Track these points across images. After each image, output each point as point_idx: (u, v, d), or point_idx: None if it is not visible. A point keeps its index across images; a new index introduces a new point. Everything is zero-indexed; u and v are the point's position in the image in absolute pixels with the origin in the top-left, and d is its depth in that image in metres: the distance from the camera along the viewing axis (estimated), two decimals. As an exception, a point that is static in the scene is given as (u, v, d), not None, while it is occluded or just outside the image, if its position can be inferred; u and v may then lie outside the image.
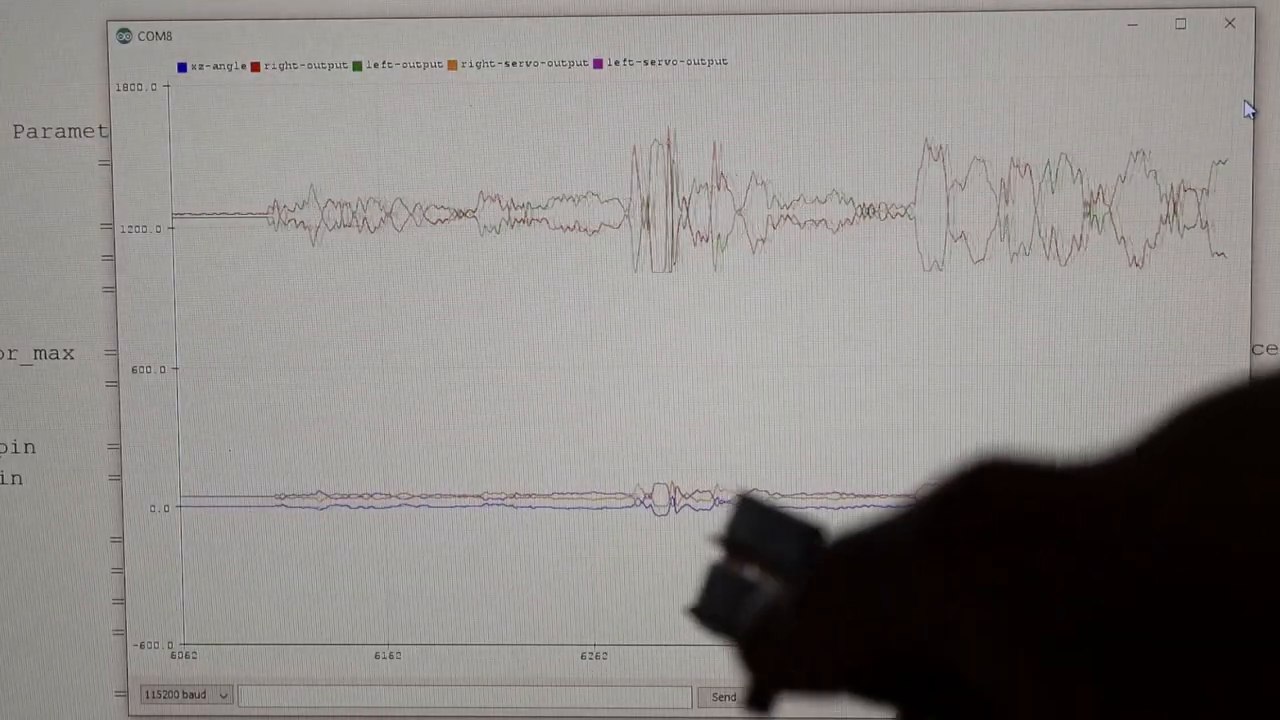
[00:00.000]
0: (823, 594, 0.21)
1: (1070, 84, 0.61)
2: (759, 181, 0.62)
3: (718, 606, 0.24)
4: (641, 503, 0.63)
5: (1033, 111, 0.61)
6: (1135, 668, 0.17)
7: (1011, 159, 0.61)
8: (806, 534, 0.23)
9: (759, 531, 0.24)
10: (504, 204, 0.62)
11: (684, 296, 0.62)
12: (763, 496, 0.24)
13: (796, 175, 0.62)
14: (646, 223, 0.62)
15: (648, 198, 0.62)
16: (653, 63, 0.62)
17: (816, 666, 0.21)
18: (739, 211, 0.62)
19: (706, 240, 0.62)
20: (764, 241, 0.62)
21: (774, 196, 0.62)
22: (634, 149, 0.62)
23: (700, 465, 0.63)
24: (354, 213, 0.62)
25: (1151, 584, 0.17)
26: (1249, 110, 0.60)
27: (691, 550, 0.63)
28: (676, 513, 0.63)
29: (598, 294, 0.62)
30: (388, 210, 0.62)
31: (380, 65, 0.62)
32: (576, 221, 0.62)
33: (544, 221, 0.62)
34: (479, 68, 0.62)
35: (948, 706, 0.21)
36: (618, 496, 0.63)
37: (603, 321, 0.62)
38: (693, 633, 0.63)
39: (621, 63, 0.62)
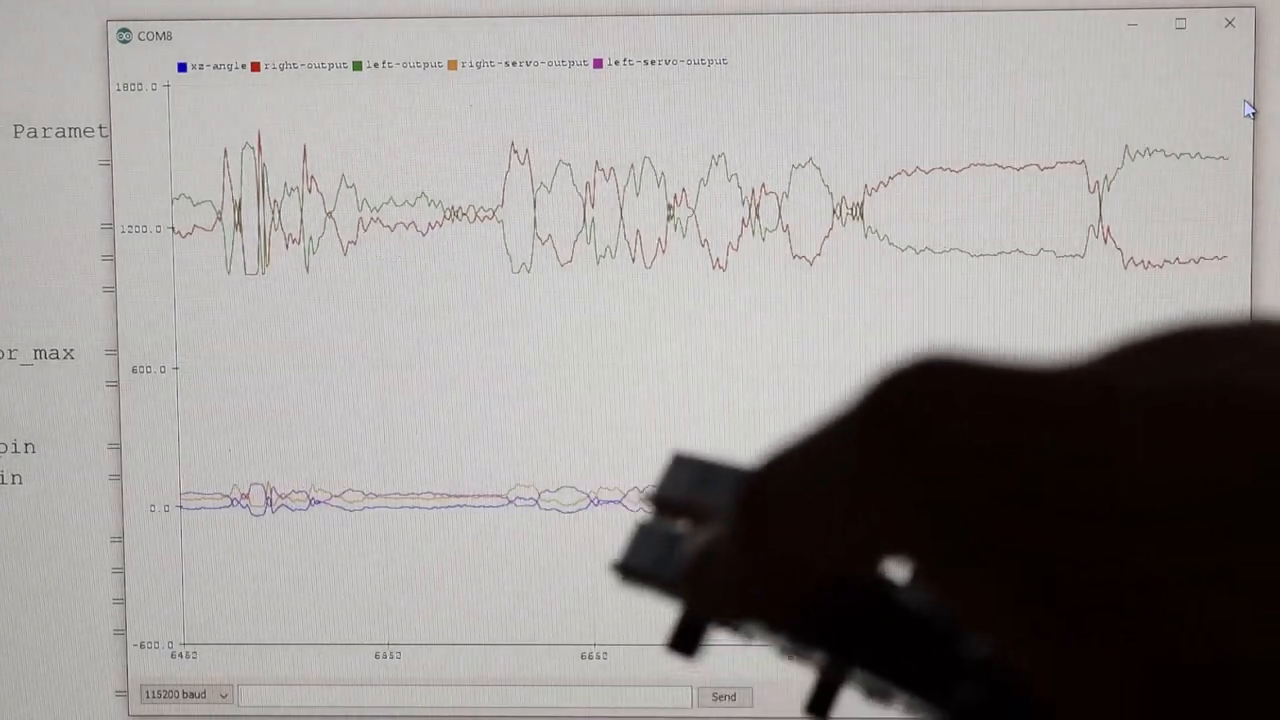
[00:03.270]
0: (755, 517, 0.19)
1: (1070, 83, 0.61)
2: (348, 184, 0.62)
3: (644, 559, 0.23)
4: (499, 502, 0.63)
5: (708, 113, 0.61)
6: (1087, 579, 0.17)
7: (595, 162, 0.61)
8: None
9: (693, 485, 0.23)
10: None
11: (279, 298, 0.63)
12: (696, 452, 0.23)
13: (384, 178, 0.62)
14: (238, 225, 0.62)
15: (239, 200, 0.62)
16: (652, 62, 0.62)
17: (746, 596, 0.20)
18: (329, 214, 0.62)
19: (297, 243, 0.62)
20: (354, 244, 0.62)
21: (363, 199, 0.62)
22: (224, 151, 0.62)
23: (296, 465, 0.63)
24: (411, 212, 0.62)
25: (1100, 500, 0.17)
26: (1249, 110, 0.60)
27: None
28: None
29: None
30: (445, 209, 0.63)
31: (380, 65, 0.62)
32: (173, 225, 0.63)
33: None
34: (479, 68, 0.62)
35: (881, 654, 0.20)
36: (617, 495, 0.63)
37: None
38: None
39: (621, 62, 0.62)
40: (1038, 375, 0.18)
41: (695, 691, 0.64)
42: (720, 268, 0.62)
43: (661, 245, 0.62)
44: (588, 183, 0.62)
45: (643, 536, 0.23)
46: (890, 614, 0.20)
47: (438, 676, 0.64)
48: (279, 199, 0.62)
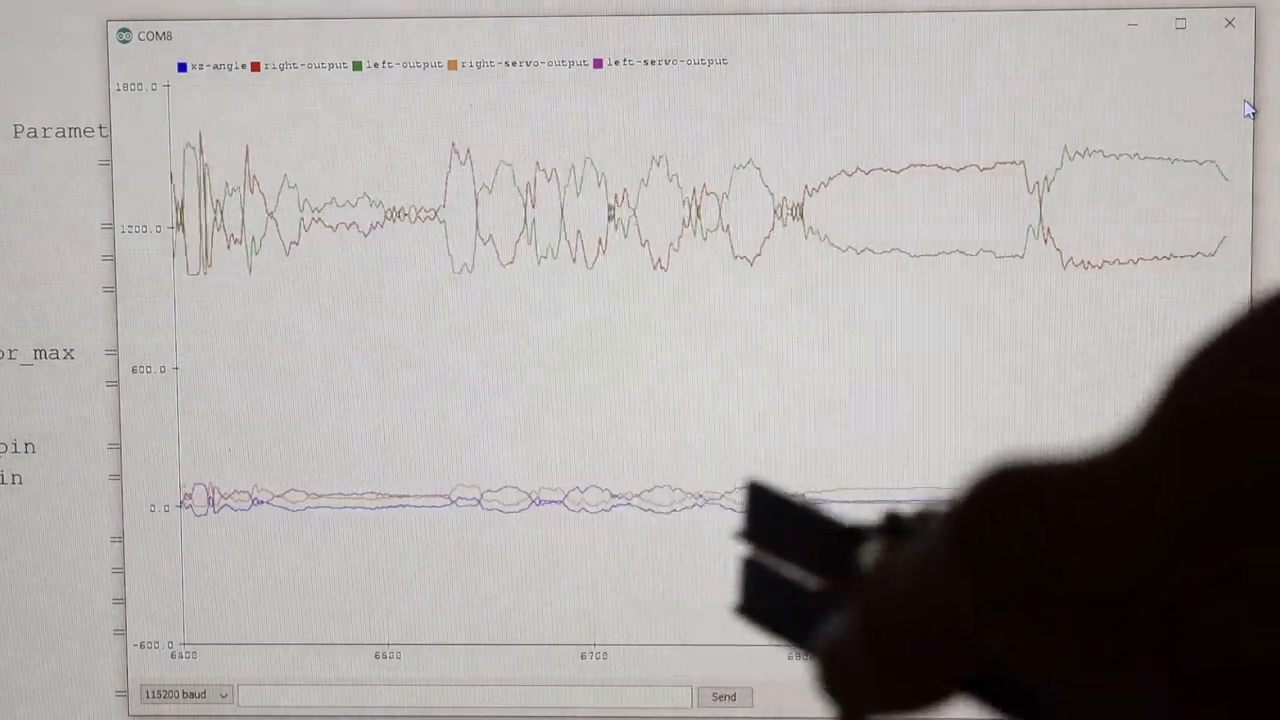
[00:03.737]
0: (875, 619, 0.22)
1: (1070, 83, 0.61)
2: (290, 184, 0.62)
3: (763, 605, 0.24)
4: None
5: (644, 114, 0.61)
6: (1170, 663, 0.18)
7: (536, 163, 0.61)
8: (843, 535, 0.23)
9: (776, 519, 0.24)
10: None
11: (221, 298, 0.63)
12: (771, 484, 0.24)
13: (327, 178, 0.62)
14: (180, 225, 0.62)
15: (181, 200, 0.62)
16: (652, 62, 0.62)
17: (892, 692, 0.22)
18: (270, 214, 0.62)
19: (239, 243, 0.62)
20: (296, 244, 0.62)
21: (305, 199, 0.62)
22: (168, 151, 0.62)
23: (296, 464, 0.63)
24: (353, 212, 0.62)
25: (1170, 586, 0.18)
26: (1249, 110, 0.60)
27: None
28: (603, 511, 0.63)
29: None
30: (387, 209, 0.63)
31: (380, 65, 0.62)
32: (172, 224, 0.63)
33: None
34: (479, 68, 0.62)
35: (994, 700, 0.22)
36: (559, 495, 0.63)
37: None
38: (693, 632, 0.63)
39: (623, 63, 0.62)
40: (1086, 473, 0.19)
41: (695, 691, 0.64)
42: (662, 268, 0.62)
43: (602, 246, 0.62)
44: (528, 183, 0.62)
45: (751, 574, 0.24)
46: (993, 677, 0.22)
47: (438, 676, 0.64)
48: (221, 199, 0.62)
